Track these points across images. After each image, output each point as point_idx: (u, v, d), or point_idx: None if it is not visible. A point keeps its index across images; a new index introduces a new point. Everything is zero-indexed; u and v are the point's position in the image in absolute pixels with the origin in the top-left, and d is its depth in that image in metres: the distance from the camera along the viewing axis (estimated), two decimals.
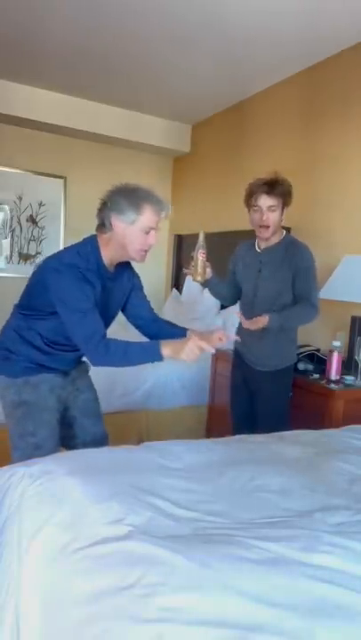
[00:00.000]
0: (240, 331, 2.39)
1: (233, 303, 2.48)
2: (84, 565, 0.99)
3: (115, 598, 0.89)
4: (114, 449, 1.59)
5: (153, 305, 2.00)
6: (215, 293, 2.43)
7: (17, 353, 1.75)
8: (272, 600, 0.87)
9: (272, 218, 2.13)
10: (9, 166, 4.32)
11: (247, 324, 2.09)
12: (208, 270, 2.14)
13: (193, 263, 2.08)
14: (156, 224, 1.69)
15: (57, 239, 4.58)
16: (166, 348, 1.61)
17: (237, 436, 1.85)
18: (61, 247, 4.47)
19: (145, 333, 1.94)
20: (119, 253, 1.72)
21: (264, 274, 2.22)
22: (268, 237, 2.19)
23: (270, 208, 2.12)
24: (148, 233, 1.67)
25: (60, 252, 1.72)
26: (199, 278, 2.11)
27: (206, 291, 2.32)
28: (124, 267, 1.85)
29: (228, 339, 1.79)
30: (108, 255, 1.72)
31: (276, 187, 2.11)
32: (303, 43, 2.95)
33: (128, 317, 1.96)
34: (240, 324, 2.39)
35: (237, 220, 3.27)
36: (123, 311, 1.93)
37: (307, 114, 3.29)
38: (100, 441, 1.91)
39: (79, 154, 4.56)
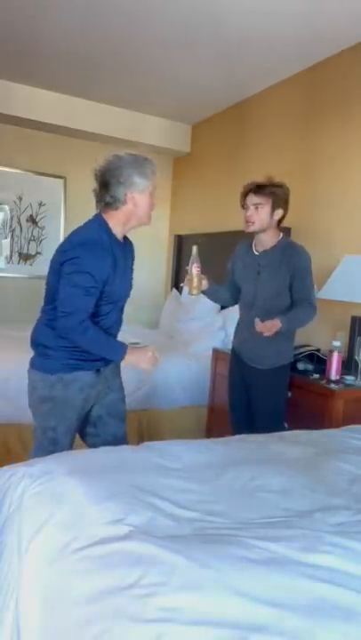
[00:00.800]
0: (239, 330, 2.39)
1: (234, 304, 2.49)
2: (84, 565, 0.99)
3: (115, 598, 0.89)
4: (114, 449, 1.59)
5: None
6: (215, 299, 2.46)
7: (53, 348, 1.78)
8: (272, 600, 0.87)
9: (256, 215, 2.17)
10: (9, 166, 4.32)
11: (261, 327, 2.07)
12: (204, 282, 2.19)
13: (188, 277, 2.13)
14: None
15: (57, 239, 4.56)
16: (131, 355, 1.72)
17: (237, 436, 1.85)
18: None
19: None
20: (130, 223, 1.80)
21: (263, 276, 2.24)
22: (255, 232, 2.22)
23: (256, 205, 2.16)
24: (152, 194, 1.76)
25: (68, 237, 1.77)
26: (195, 292, 2.16)
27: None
28: (126, 240, 1.92)
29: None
30: (119, 228, 1.79)
31: (264, 188, 2.16)
32: (302, 43, 2.95)
33: None
34: (239, 323, 2.40)
35: (237, 219, 3.26)
36: None
37: (306, 114, 3.29)
38: (121, 442, 1.93)
39: (79, 154, 4.55)
